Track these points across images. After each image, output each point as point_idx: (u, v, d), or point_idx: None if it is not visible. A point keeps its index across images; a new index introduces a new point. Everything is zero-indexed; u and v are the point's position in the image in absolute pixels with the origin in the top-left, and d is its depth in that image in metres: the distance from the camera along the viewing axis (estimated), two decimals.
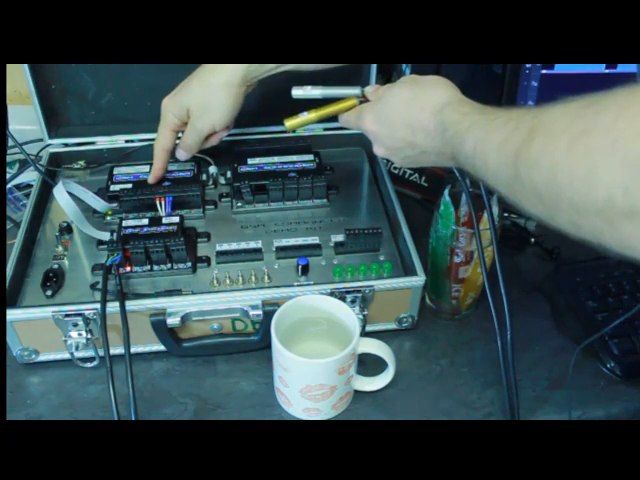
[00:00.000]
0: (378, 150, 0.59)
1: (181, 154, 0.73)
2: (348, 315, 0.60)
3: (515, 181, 0.40)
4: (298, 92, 0.64)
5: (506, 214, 0.77)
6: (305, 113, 0.63)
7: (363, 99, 0.61)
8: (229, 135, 0.83)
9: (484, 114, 0.47)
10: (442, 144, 0.51)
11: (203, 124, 0.69)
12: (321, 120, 0.64)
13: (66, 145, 0.82)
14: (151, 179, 0.74)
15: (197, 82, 0.67)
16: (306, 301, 0.61)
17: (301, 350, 0.59)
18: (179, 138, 0.72)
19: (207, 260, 0.69)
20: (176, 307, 0.62)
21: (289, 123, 0.65)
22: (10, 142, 0.77)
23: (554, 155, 0.36)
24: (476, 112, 0.48)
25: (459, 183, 0.66)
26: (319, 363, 0.56)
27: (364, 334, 0.65)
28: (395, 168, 0.87)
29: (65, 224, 0.72)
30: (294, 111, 0.76)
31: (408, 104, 0.54)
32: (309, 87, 0.63)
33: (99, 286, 0.64)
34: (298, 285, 0.65)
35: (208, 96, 0.67)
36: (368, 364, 0.62)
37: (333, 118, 0.64)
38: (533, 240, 0.78)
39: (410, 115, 0.53)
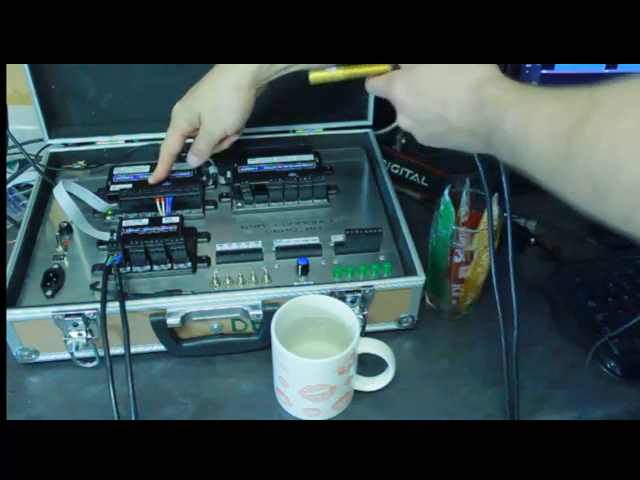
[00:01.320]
0: (403, 121, 0.56)
1: (193, 160, 0.73)
2: (348, 315, 0.60)
3: (565, 162, 0.38)
4: (317, 75, 0.59)
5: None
6: (333, 68, 0.59)
7: (396, 67, 0.56)
8: None
9: (528, 91, 0.45)
10: (477, 122, 0.48)
11: (215, 128, 0.68)
12: (348, 79, 0.59)
13: (66, 145, 0.82)
14: (152, 179, 0.74)
15: (207, 86, 0.67)
16: (306, 301, 0.61)
17: (301, 350, 0.59)
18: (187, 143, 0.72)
19: (207, 260, 0.69)
20: (176, 307, 0.62)
21: (314, 75, 0.59)
22: (10, 142, 0.77)
23: (617, 133, 0.34)
24: (519, 88, 0.46)
25: (459, 183, 0.66)
26: (319, 363, 0.56)
27: (364, 334, 0.65)
28: (395, 168, 0.87)
29: (65, 224, 0.72)
30: (295, 111, 0.76)
31: (444, 77, 0.51)
32: (333, 67, 0.58)
33: (99, 286, 0.64)
34: (298, 285, 0.65)
35: (218, 100, 0.66)
36: (368, 364, 0.62)
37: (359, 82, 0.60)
38: (533, 240, 0.78)
39: (445, 88, 0.50)
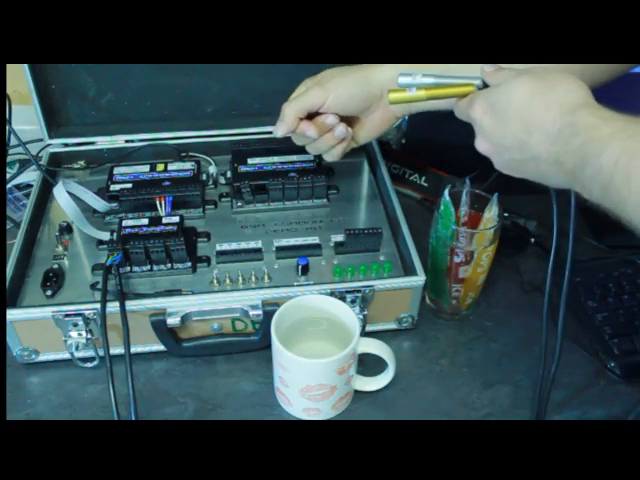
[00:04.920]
0: (481, 145, 0.51)
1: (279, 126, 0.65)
2: (348, 315, 0.60)
3: None
4: (405, 80, 0.54)
5: (506, 214, 0.76)
6: (414, 89, 0.54)
7: (483, 87, 0.52)
8: (229, 135, 0.83)
9: (633, 123, 0.41)
10: (564, 152, 0.44)
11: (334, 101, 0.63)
12: (429, 99, 0.54)
13: (66, 145, 0.82)
14: (278, 131, 0.66)
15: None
16: (306, 301, 0.61)
17: (301, 350, 0.59)
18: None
19: (207, 260, 0.69)
20: (176, 307, 0.62)
21: (393, 96, 0.55)
22: (11, 142, 0.77)
23: None
24: (622, 119, 0.42)
25: (459, 183, 0.66)
26: (319, 363, 0.56)
27: (364, 334, 0.65)
28: (395, 168, 0.87)
29: (65, 224, 0.72)
30: None
31: (531, 99, 0.46)
32: (419, 75, 0.53)
33: (99, 286, 0.64)
34: (298, 285, 0.65)
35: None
36: (368, 364, 0.62)
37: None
38: (533, 240, 0.78)
39: (530, 112, 0.46)
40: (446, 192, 0.65)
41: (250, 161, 0.78)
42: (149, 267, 0.67)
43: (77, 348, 0.62)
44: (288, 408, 0.61)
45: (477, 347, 0.68)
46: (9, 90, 0.78)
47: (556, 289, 0.73)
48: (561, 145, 0.44)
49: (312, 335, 0.63)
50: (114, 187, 0.75)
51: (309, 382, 0.57)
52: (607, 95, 0.46)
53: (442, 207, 0.65)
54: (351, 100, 0.64)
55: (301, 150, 0.80)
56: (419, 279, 0.64)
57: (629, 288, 0.70)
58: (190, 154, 0.81)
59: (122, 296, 0.61)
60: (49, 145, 0.81)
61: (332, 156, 0.68)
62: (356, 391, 0.62)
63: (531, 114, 0.46)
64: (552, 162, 0.45)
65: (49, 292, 0.65)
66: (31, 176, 0.83)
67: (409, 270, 0.67)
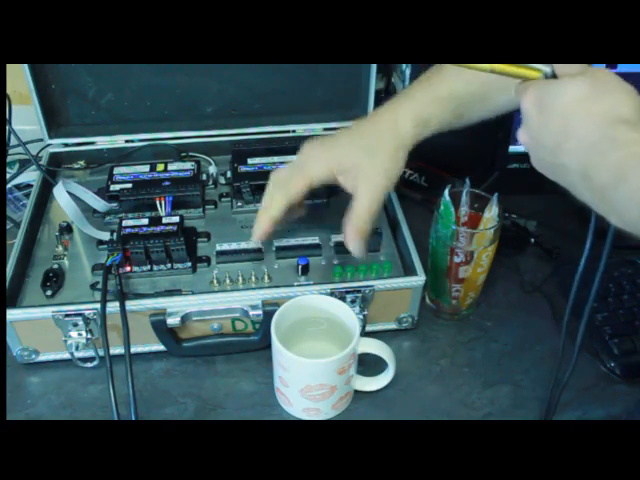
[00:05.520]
0: (522, 136, 0.48)
1: (353, 239, 0.60)
2: (348, 315, 0.60)
3: None
4: None
5: (506, 214, 0.77)
6: None
7: (551, 76, 0.47)
8: (229, 135, 0.83)
9: None
10: (598, 165, 0.41)
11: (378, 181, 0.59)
12: (491, 71, 0.49)
13: (66, 145, 0.82)
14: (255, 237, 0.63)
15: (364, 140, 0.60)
16: (306, 301, 0.61)
17: (301, 350, 0.59)
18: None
19: (207, 260, 0.69)
20: (176, 307, 0.62)
21: None
22: (11, 142, 0.77)
23: None
24: None
25: (459, 183, 0.66)
26: (319, 363, 0.56)
27: (364, 334, 0.65)
28: None
29: (65, 224, 0.72)
30: (295, 111, 0.76)
31: (578, 102, 0.43)
32: None
33: (99, 286, 0.64)
34: (298, 285, 0.65)
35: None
36: (368, 364, 0.62)
37: None
38: (533, 240, 0.78)
39: (573, 116, 0.43)
40: (446, 192, 0.65)
41: (250, 161, 0.78)
42: (149, 267, 0.67)
43: (77, 348, 0.62)
44: (288, 408, 0.61)
45: (477, 347, 0.68)
46: (9, 90, 0.78)
47: (557, 289, 0.74)
48: (595, 158, 0.41)
49: (312, 335, 0.63)
50: (114, 187, 0.75)
51: (309, 382, 0.57)
52: None
53: (442, 207, 0.65)
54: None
55: None
56: (419, 279, 0.64)
57: (629, 288, 0.70)
58: (190, 154, 0.82)
59: (122, 296, 0.61)
60: (49, 145, 0.81)
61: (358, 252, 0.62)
62: (356, 391, 0.62)
63: (572, 118, 0.43)
64: (581, 174, 0.43)
65: (49, 292, 0.65)
66: (31, 176, 0.83)
67: (409, 270, 0.67)
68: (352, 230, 0.59)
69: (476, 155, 0.79)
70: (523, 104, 0.47)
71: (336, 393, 0.59)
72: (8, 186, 0.85)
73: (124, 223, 0.69)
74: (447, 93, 0.61)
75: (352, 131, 0.62)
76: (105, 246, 0.68)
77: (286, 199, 0.59)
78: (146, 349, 0.65)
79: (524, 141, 0.48)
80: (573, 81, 0.44)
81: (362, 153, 0.59)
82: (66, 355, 0.63)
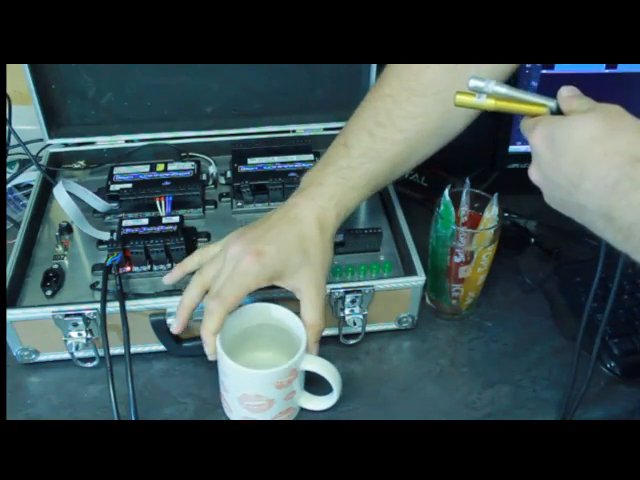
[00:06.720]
0: (533, 174, 0.47)
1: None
2: (299, 329, 0.58)
3: None
4: (477, 84, 0.49)
5: (506, 214, 0.77)
6: (484, 96, 0.50)
7: (556, 112, 0.48)
8: (229, 135, 0.83)
9: None
10: (620, 206, 0.40)
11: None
12: (497, 109, 0.50)
13: (66, 145, 0.82)
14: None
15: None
16: (261, 309, 0.60)
17: (254, 357, 0.59)
18: None
19: None
20: (176, 307, 0.62)
21: (460, 98, 0.50)
22: (11, 142, 0.77)
23: None
24: None
25: (459, 183, 0.66)
26: (253, 373, 0.54)
27: (364, 334, 0.65)
28: None
29: (65, 224, 0.72)
30: (295, 111, 0.76)
31: (592, 142, 0.42)
32: (493, 82, 0.48)
33: (99, 286, 0.64)
34: None
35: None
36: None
37: None
38: (533, 240, 0.78)
39: (588, 155, 0.42)
40: (446, 192, 0.65)
41: (250, 161, 0.78)
42: (149, 267, 0.67)
43: (77, 348, 0.62)
44: (229, 415, 0.60)
45: (477, 347, 0.68)
46: (9, 90, 0.78)
47: (557, 289, 0.74)
48: (616, 199, 0.40)
49: (271, 344, 0.61)
50: (114, 187, 0.75)
51: (246, 391, 0.56)
52: (607, 96, 0.46)
53: (442, 207, 0.65)
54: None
55: (301, 150, 0.80)
56: (419, 279, 0.64)
57: (629, 288, 0.70)
58: (190, 154, 0.81)
59: (122, 296, 0.61)
60: (49, 145, 0.81)
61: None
62: (354, 391, 0.62)
63: (587, 158, 0.42)
64: (601, 215, 0.42)
65: (49, 292, 0.65)
66: (31, 176, 0.83)
67: (409, 270, 0.67)
68: (313, 342, 0.58)
69: (476, 155, 0.78)
70: (532, 141, 0.46)
71: (275, 407, 0.57)
72: (8, 186, 0.85)
73: (124, 223, 0.69)
74: (366, 180, 0.61)
75: (278, 230, 0.59)
76: (105, 246, 0.68)
77: (224, 312, 0.56)
78: (146, 349, 0.65)
79: (536, 179, 0.47)
80: (583, 119, 0.43)
81: (297, 257, 0.57)
82: (66, 355, 0.63)
